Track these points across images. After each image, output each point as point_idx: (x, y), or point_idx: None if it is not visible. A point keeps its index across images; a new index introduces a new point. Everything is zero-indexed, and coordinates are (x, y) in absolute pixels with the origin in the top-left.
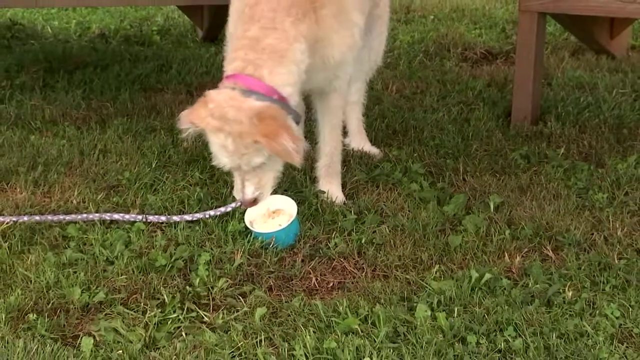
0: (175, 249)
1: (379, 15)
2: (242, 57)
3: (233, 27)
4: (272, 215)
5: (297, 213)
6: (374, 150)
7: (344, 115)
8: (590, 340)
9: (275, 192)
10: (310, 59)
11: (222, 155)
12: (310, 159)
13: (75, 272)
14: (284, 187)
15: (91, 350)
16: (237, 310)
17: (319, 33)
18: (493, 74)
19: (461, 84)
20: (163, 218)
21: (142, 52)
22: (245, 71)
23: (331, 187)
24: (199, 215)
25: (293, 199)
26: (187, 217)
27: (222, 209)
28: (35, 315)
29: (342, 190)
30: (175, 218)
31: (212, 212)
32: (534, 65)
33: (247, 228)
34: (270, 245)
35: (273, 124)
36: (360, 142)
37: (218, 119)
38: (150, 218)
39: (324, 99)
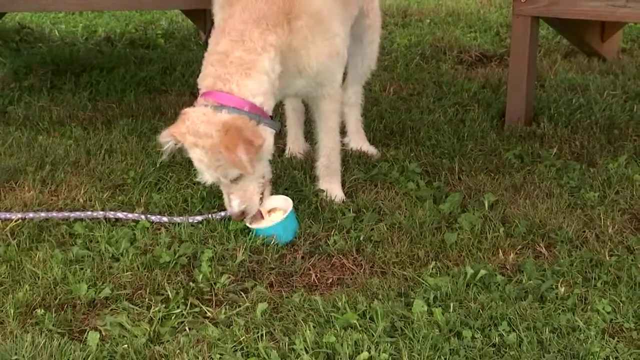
0: (179, 246)
1: (369, 25)
2: (212, 74)
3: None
4: (268, 214)
5: (293, 209)
6: (372, 150)
7: (342, 117)
8: (582, 335)
9: (274, 192)
10: (282, 66)
11: (202, 170)
12: (310, 159)
13: (81, 269)
14: (284, 185)
15: (97, 345)
16: (239, 306)
17: (293, 43)
18: (488, 76)
19: (457, 85)
20: (165, 219)
21: (147, 55)
22: (215, 87)
23: (330, 186)
24: (199, 218)
25: (290, 197)
26: (190, 219)
27: (222, 214)
28: (42, 311)
29: (342, 189)
30: (177, 219)
31: (214, 215)
32: (527, 68)
33: (247, 227)
34: (272, 242)
35: (235, 136)
36: (358, 142)
37: (193, 135)
38: (152, 218)
39: (317, 104)
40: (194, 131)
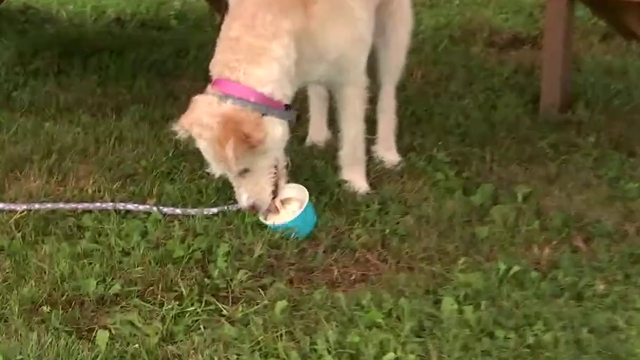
0: (193, 240)
1: (394, 11)
2: (222, 61)
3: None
4: (282, 205)
5: (309, 199)
6: (393, 158)
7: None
8: (622, 335)
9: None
10: (299, 52)
11: (209, 161)
12: (332, 148)
13: (90, 264)
14: (304, 175)
15: (107, 344)
16: (257, 303)
17: (310, 28)
18: (520, 59)
19: (488, 70)
20: (178, 211)
21: (158, 37)
22: (223, 75)
23: (354, 176)
24: (214, 210)
25: (310, 188)
26: (204, 211)
27: (237, 205)
28: (49, 308)
29: (366, 179)
30: (191, 211)
31: (230, 207)
32: (562, 51)
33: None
34: (291, 236)
35: (229, 130)
36: (384, 150)
37: (198, 126)
38: (165, 210)
39: (339, 90)
40: (199, 122)
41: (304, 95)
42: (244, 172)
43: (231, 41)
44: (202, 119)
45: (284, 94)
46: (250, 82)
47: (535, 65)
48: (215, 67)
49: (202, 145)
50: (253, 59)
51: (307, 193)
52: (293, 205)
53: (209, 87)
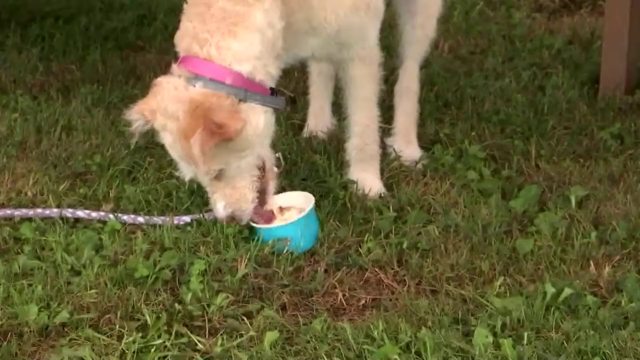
0: (160, 256)
1: None
2: (189, 33)
3: None
4: (280, 212)
5: (314, 207)
6: (414, 154)
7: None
8: None
9: (289, 184)
10: (287, 20)
11: (178, 160)
12: (337, 139)
13: (30, 285)
14: (301, 175)
15: None
16: (241, 335)
17: None
18: (576, 28)
19: (534, 41)
20: (141, 219)
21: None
22: (191, 51)
23: (364, 175)
24: (186, 218)
25: (310, 190)
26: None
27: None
28: None
29: (379, 179)
30: (157, 219)
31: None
32: (629, 17)
33: (252, 228)
34: (284, 250)
35: (196, 120)
36: (402, 143)
37: (163, 115)
38: (124, 218)
39: (344, 68)
40: (164, 111)
41: (303, 72)
42: (219, 174)
43: (200, 6)
44: (166, 107)
45: (268, 73)
46: (226, 59)
47: (594, 35)
48: (182, 41)
49: (168, 140)
50: (228, 29)
51: (312, 201)
52: (293, 213)
53: (174, 66)
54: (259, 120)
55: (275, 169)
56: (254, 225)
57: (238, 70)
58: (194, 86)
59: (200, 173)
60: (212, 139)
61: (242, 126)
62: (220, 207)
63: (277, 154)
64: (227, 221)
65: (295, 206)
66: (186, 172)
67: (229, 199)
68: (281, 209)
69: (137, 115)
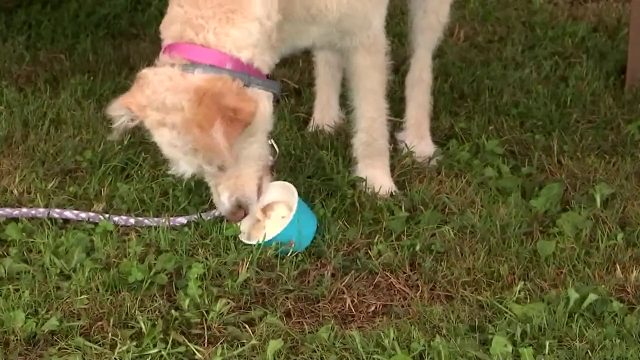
0: (156, 259)
1: None
2: (180, 18)
3: None
4: (264, 213)
5: (300, 199)
6: (427, 150)
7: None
8: None
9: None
10: (286, 11)
11: (176, 158)
12: (345, 134)
13: (17, 290)
14: (306, 172)
15: None
16: (242, 344)
17: None
18: (601, 13)
19: (556, 28)
20: (132, 220)
21: None
22: (184, 37)
23: (373, 172)
24: (181, 220)
25: (316, 187)
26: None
27: (216, 213)
28: None
29: (390, 176)
30: (148, 222)
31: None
32: None
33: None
34: (288, 253)
35: (211, 107)
36: (414, 138)
37: (157, 110)
38: (116, 219)
39: (348, 57)
40: (158, 104)
41: (308, 62)
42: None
43: None
44: (163, 100)
45: (264, 61)
46: (226, 45)
47: (620, 22)
48: (171, 27)
49: (166, 136)
50: (226, 16)
51: (294, 191)
52: (280, 210)
53: (162, 56)
54: (265, 105)
55: (270, 158)
56: (246, 242)
57: (237, 56)
58: (193, 73)
59: (210, 166)
60: (236, 128)
61: (255, 107)
62: (225, 199)
63: (270, 141)
64: (233, 214)
65: (278, 201)
66: (187, 168)
67: (234, 188)
68: (264, 210)
69: (122, 110)
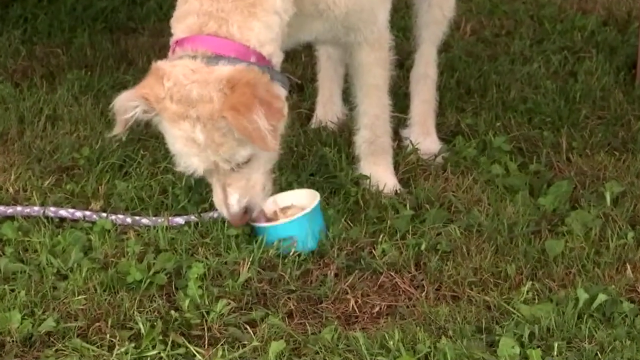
0: (155, 258)
1: None
2: (197, 10)
3: None
4: (282, 213)
5: (319, 203)
6: (432, 147)
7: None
8: None
9: (294, 180)
10: (297, 6)
11: (190, 153)
12: (348, 130)
13: (13, 290)
14: (309, 170)
15: None
16: (244, 345)
17: None
18: (611, 7)
19: (565, 22)
20: (129, 220)
21: None
22: (205, 30)
23: (377, 169)
24: (179, 220)
25: (318, 186)
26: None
27: (215, 214)
28: None
29: (394, 174)
30: (145, 221)
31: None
32: None
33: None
34: (290, 252)
35: (247, 94)
36: (419, 135)
37: (179, 103)
38: (113, 218)
39: (351, 52)
40: (182, 96)
41: (311, 56)
42: (245, 163)
43: None
44: (189, 92)
45: (280, 55)
46: (249, 39)
47: (631, 15)
48: (186, 20)
49: (185, 129)
50: (248, 10)
51: (318, 198)
52: (293, 213)
53: (177, 49)
54: (284, 102)
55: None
56: (254, 225)
57: (259, 51)
58: (217, 65)
59: (269, 146)
60: (275, 115)
61: (282, 105)
62: (234, 200)
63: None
64: (240, 217)
65: (296, 205)
66: (199, 165)
67: (245, 190)
68: (282, 209)
69: (135, 102)
